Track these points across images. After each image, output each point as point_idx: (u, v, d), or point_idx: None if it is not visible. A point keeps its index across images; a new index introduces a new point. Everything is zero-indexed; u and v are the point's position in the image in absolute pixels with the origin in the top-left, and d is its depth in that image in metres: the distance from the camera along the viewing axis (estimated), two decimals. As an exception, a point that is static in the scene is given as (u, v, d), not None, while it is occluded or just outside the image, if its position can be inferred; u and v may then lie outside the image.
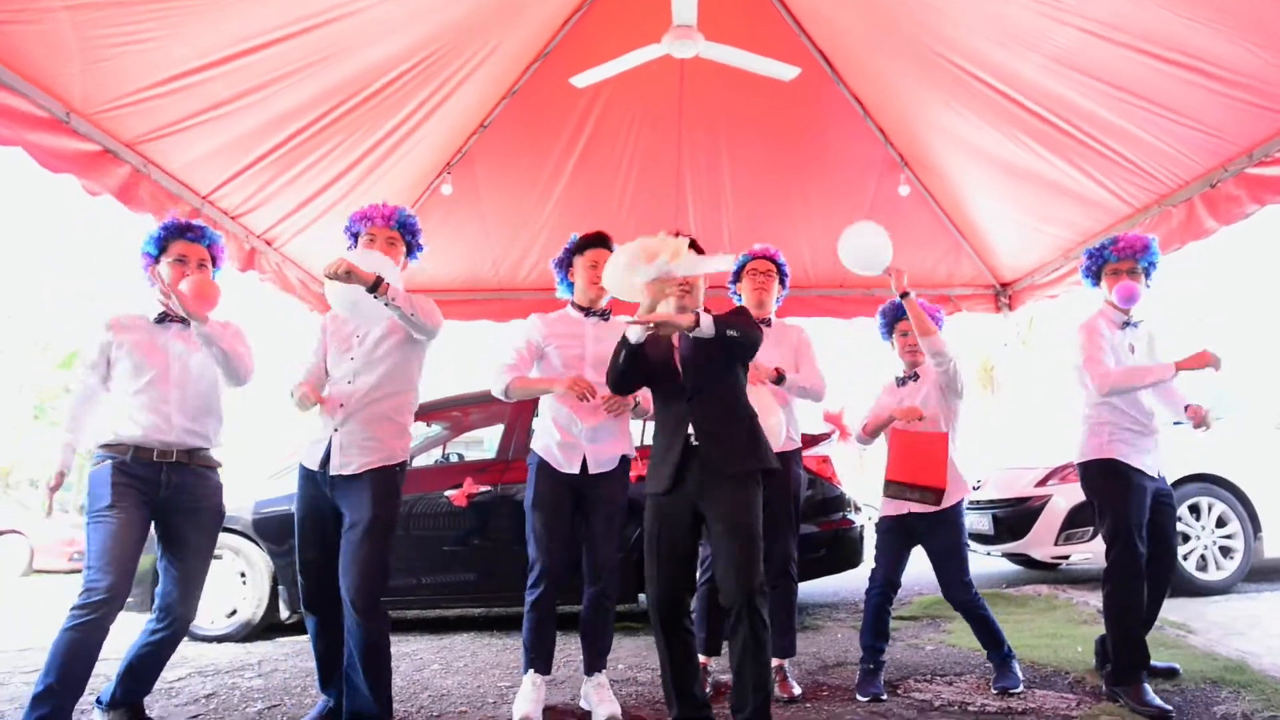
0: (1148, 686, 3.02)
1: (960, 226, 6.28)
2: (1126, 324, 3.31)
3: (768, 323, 3.59)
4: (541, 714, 3.10)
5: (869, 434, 3.67)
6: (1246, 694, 3.09)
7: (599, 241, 3.36)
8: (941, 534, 3.43)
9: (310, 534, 2.93)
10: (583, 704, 3.24)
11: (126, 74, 3.39)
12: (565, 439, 3.23)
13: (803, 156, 5.98)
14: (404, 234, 3.09)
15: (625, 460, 3.31)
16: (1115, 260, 3.32)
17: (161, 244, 2.95)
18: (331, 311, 3.08)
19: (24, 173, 18.65)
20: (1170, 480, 5.22)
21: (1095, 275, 3.42)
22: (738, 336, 2.58)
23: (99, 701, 2.91)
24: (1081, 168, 4.65)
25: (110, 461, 2.79)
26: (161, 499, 2.84)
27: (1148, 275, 3.35)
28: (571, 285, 3.44)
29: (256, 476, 5.68)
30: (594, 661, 3.21)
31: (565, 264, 3.48)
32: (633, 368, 2.67)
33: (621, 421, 3.32)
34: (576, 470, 3.20)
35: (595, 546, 3.22)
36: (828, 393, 3.57)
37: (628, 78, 4.68)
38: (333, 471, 2.85)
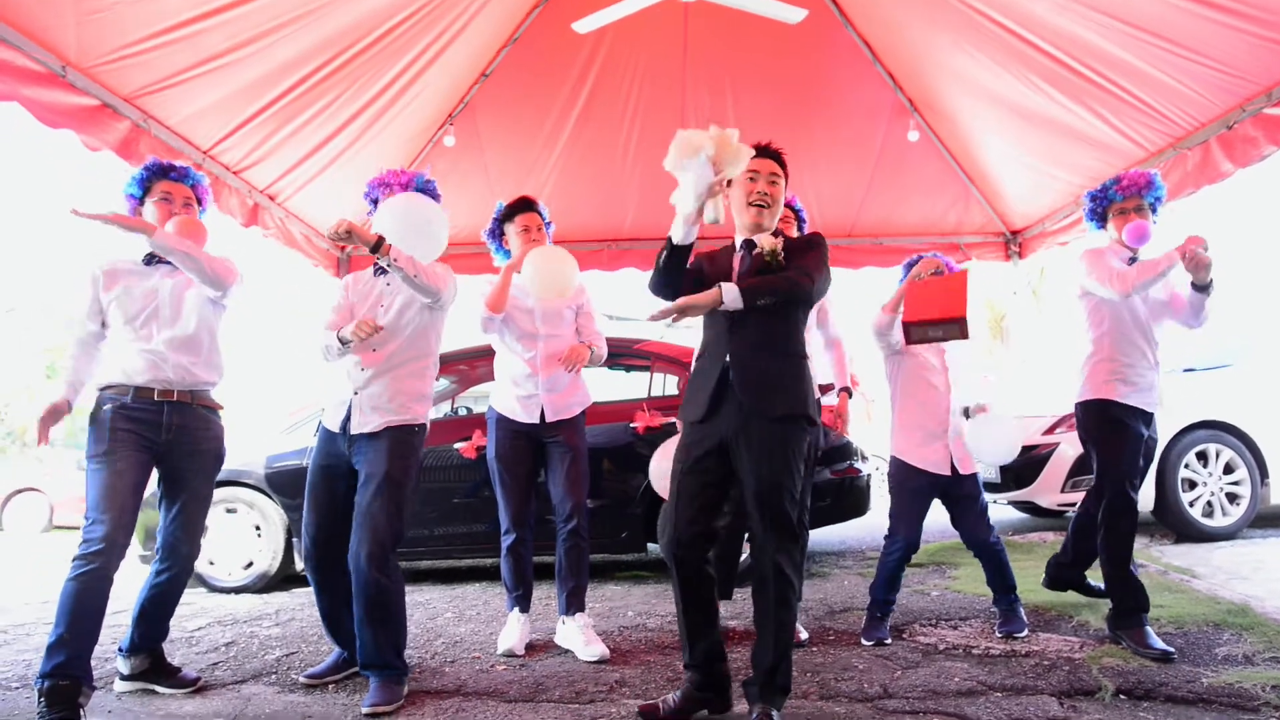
0: (1150, 629, 3.04)
1: (970, 172, 6.19)
2: (1133, 260, 3.18)
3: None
4: (524, 648, 3.32)
5: (893, 310, 3.45)
6: (1248, 636, 3.12)
7: (525, 207, 3.49)
8: (964, 486, 3.44)
9: (321, 493, 2.99)
10: (559, 642, 3.40)
11: (122, 26, 3.34)
12: (523, 392, 3.41)
13: (809, 103, 5.88)
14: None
15: (583, 411, 3.52)
16: (1121, 199, 3.20)
17: (145, 185, 2.93)
18: (354, 274, 3.16)
19: (24, 129, 18.53)
20: (1179, 427, 5.27)
21: (1100, 217, 3.30)
22: (769, 305, 2.42)
23: (120, 649, 2.99)
24: (1095, 110, 4.56)
25: (111, 405, 2.78)
26: (164, 441, 2.84)
27: (1154, 211, 3.23)
28: (508, 253, 3.54)
29: (269, 431, 5.73)
30: (573, 601, 3.36)
31: (497, 233, 3.59)
32: (673, 270, 2.48)
33: (576, 373, 3.47)
34: (536, 420, 3.39)
35: (564, 490, 3.38)
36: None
37: (631, 25, 4.59)
38: (353, 430, 2.91)
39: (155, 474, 2.91)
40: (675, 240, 2.43)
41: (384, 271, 3.03)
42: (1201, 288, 3.03)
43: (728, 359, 2.47)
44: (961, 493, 3.45)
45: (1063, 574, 3.56)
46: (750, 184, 2.58)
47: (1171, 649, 2.95)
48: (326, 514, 2.98)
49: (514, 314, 3.43)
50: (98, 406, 2.80)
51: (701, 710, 2.51)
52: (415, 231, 2.84)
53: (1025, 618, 3.39)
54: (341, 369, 3.00)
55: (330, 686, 2.99)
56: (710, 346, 2.57)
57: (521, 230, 3.44)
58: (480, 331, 3.47)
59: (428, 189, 3.11)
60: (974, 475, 3.46)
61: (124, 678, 2.98)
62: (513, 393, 3.44)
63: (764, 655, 2.39)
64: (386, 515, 2.82)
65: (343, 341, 2.88)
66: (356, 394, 2.93)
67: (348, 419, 2.92)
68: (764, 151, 2.61)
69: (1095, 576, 3.38)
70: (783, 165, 2.64)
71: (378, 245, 2.77)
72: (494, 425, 3.48)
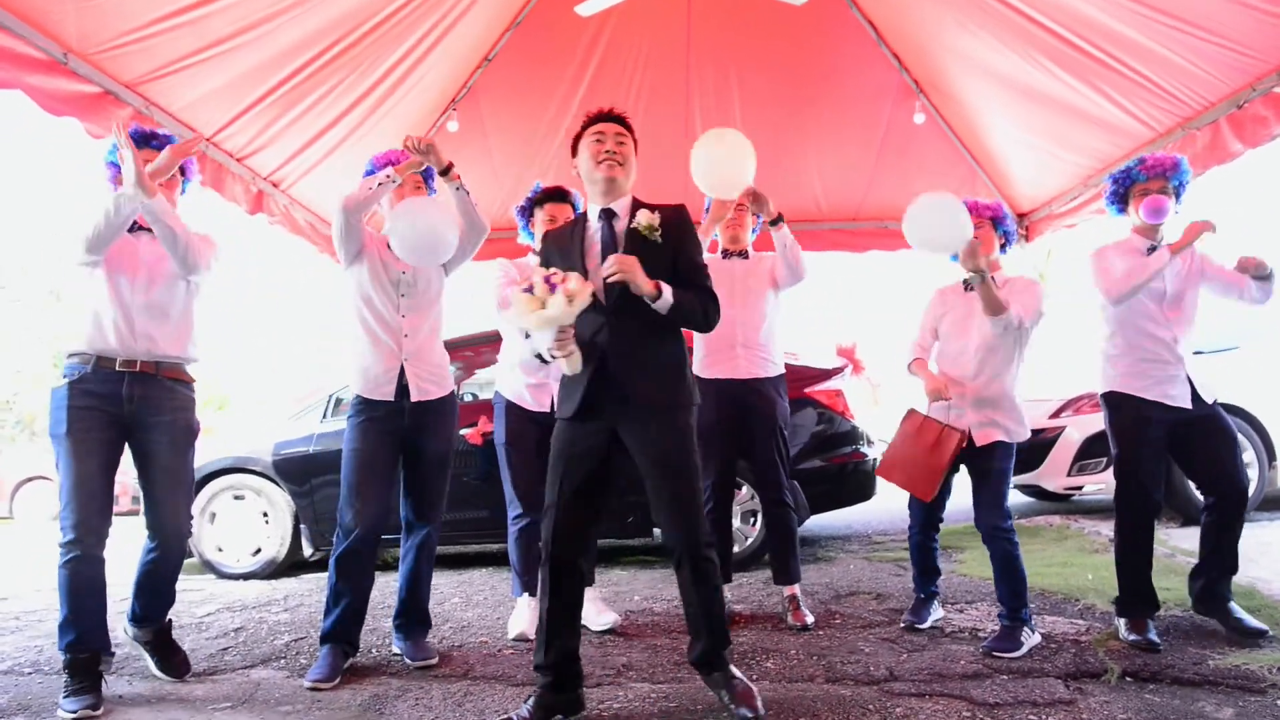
0: (1150, 622, 3.00)
1: (976, 154, 6.14)
2: (1154, 248, 3.08)
3: (745, 255, 3.64)
4: (535, 632, 3.32)
5: (914, 373, 3.33)
6: (1255, 619, 3.12)
7: (559, 196, 3.50)
8: (984, 460, 3.13)
9: (381, 467, 3.00)
10: None
11: (123, 11, 3.31)
12: (535, 380, 3.46)
13: (814, 85, 5.83)
14: (425, 178, 3.14)
15: None
16: (1144, 180, 3.09)
17: None
18: (380, 236, 3.11)
19: (26, 118, 18.53)
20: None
21: (1122, 199, 3.19)
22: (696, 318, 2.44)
23: (129, 617, 2.97)
24: (1102, 90, 4.50)
25: (69, 379, 2.70)
26: (127, 413, 2.75)
27: (1178, 196, 3.11)
28: (533, 234, 3.58)
29: (275, 418, 5.75)
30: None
31: (528, 212, 3.61)
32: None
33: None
34: (547, 408, 3.43)
35: None
36: (808, 277, 3.57)
37: (634, 8, 4.57)
38: (415, 399, 3.01)
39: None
40: (546, 359, 2.37)
41: None
42: (1261, 277, 3.01)
43: (605, 352, 2.38)
44: (976, 464, 3.17)
45: (1204, 592, 3.16)
46: (597, 145, 2.48)
47: (1158, 641, 2.90)
48: (387, 490, 3.01)
49: None
50: (61, 379, 2.73)
51: (557, 715, 2.38)
52: (426, 239, 2.88)
53: (1025, 641, 2.92)
54: (377, 341, 3.01)
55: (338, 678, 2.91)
56: (580, 337, 2.36)
57: (549, 220, 3.43)
58: (499, 313, 3.40)
59: (426, 174, 3.13)
60: (996, 456, 3.12)
61: (132, 637, 3.00)
62: (523, 380, 3.47)
63: (702, 637, 2.39)
64: (447, 484, 3.18)
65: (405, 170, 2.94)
66: (406, 361, 3.01)
67: (402, 390, 2.99)
68: (606, 117, 2.53)
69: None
70: (629, 129, 2.54)
71: (448, 170, 2.95)
72: (503, 411, 3.50)
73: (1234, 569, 3.12)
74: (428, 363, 3.08)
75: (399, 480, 3.12)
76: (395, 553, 3.30)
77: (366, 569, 3.02)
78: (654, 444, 2.37)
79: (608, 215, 2.49)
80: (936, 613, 3.37)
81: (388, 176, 2.90)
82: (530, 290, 2.20)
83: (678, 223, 2.47)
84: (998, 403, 3.14)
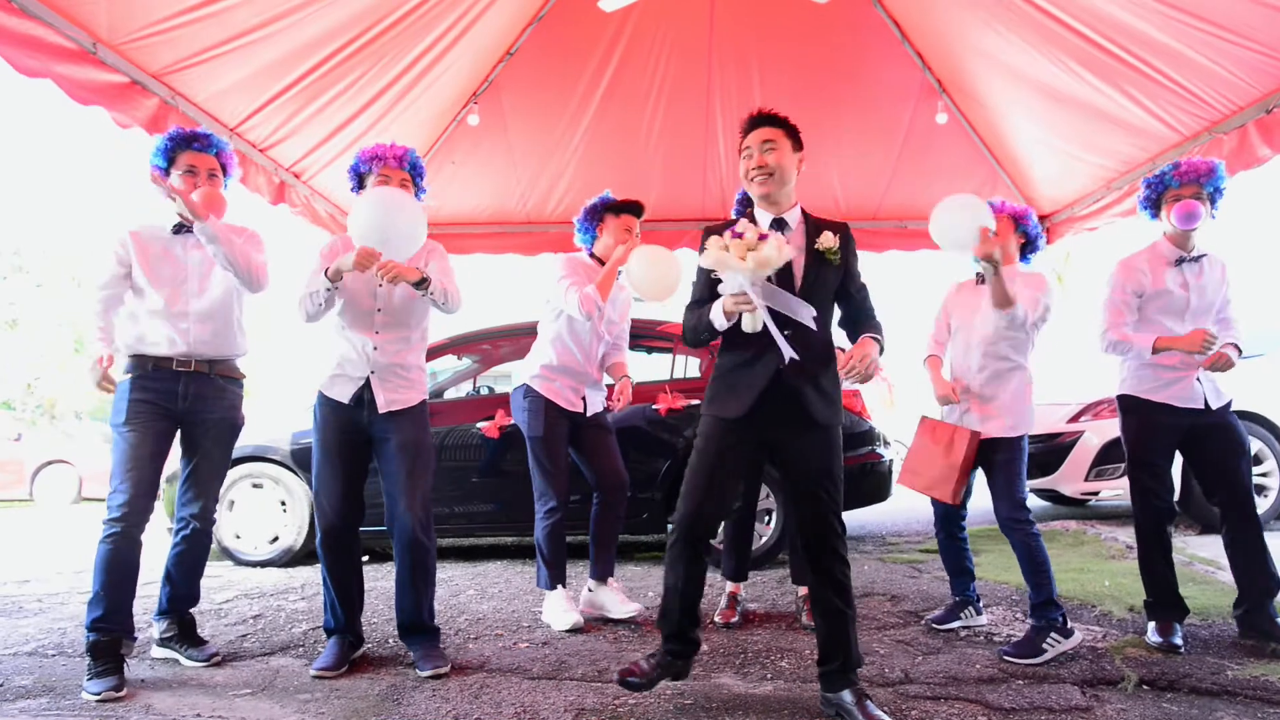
0: (1177, 626, 3.00)
1: (998, 155, 6.10)
2: (1182, 260, 3.07)
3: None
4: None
5: (927, 370, 3.39)
6: (1275, 628, 3.09)
7: (636, 210, 3.60)
8: (990, 453, 3.12)
9: (342, 467, 2.95)
10: (589, 605, 3.57)
11: (151, 2, 3.35)
12: (573, 384, 3.54)
13: (836, 83, 5.80)
14: (414, 176, 3.08)
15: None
16: (1177, 185, 3.04)
17: (169, 155, 2.93)
18: (342, 237, 3.09)
19: (49, 106, 18.69)
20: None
21: (1154, 205, 3.14)
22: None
23: (157, 611, 3.07)
24: (1128, 93, 4.46)
25: (130, 375, 2.90)
26: (181, 409, 2.94)
27: (1213, 202, 3.05)
28: (594, 237, 3.64)
29: (294, 408, 5.79)
30: (607, 568, 3.59)
31: (595, 216, 3.65)
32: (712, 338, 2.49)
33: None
34: (580, 410, 3.55)
35: (601, 466, 3.57)
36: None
37: (657, 4, 4.56)
38: (382, 410, 2.94)
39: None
40: (717, 326, 2.42)
41: None
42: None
43: (784, 364, 2.38)
44: (990, 458, 3.14)
45: (1247, 617, 3.10)
46: (745, 162, 2.51)
47: (1179, 643, 2.91)
48: (348, 488, 2.97)
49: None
50: (124, 374, 2.92)
51: (667, 677, 2.51)
52: (395, 232, 2.75)
53: (1046, 646, 2.87)
54: (348, 345, 2.97)
55: (344, 667, 2.92)
56: (750, 344, 2.43)
57: (624, 230, 3.53)
58: (578, 311, 3.35)
59: (419, 166, 3.10)
60: (1008, 449, 3.09)
61: (159, 643, 3.07)
62: (564, 381, 3.53)
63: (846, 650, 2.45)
64: (426, 481, 2.98)
65: (337, 277, 2.82)
66: (373, 374, 2.94)
67: (365, 395, 2.93)
68: (755, 121, 2.52)
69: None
70: (780, 126, 2.50)
71: (422, 282, 2.84)
72: (540, 406, 3.48)
73: (1273, 590, 3.05)
74: (396, 376, 2.97)
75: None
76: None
77: (345, 555, 2.98)
78: (818, 458, 2.40)
79: (780, 226, 2.50)
80: (970, 620, 3.32)
81: (327, 290, 2.84)
82: (740, 237, 2.29)
83: (846, 241, 2.51)
84: (999, 398, 3.13)
